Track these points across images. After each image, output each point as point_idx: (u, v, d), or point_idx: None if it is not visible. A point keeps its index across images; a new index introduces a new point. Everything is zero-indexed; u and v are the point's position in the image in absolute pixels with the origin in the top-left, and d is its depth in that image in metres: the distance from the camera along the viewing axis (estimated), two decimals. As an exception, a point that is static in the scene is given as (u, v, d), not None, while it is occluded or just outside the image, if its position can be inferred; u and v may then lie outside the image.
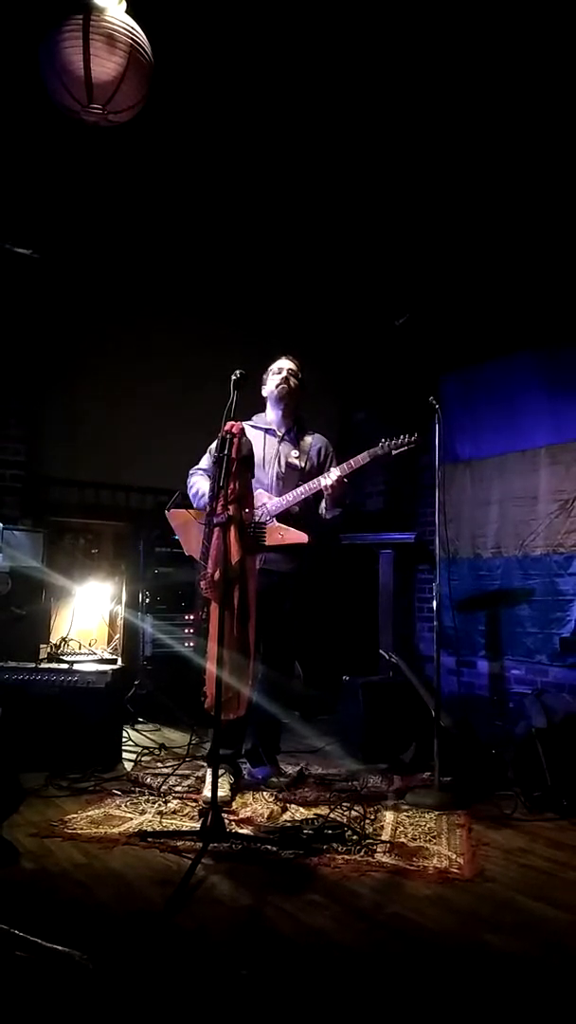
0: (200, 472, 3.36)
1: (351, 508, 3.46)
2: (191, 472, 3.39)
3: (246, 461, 2.79)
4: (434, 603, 3.40)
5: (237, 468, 2.69)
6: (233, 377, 2.92)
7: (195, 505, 3.30)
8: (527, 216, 4.37)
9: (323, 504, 3.33)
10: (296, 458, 3.37)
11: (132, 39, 2.59)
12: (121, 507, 5.20)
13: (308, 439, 3.46)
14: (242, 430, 2.76)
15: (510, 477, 5.15)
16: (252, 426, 3.37)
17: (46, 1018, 1.55)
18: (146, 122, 2.96)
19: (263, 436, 3.38)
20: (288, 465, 3.36)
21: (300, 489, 3.25)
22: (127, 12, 2.61)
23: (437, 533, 3.53)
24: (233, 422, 2.74)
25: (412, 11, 3.05)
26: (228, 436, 2.69)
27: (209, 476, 3.29)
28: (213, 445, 3.33)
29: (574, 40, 3.12)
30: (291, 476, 3.33)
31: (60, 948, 1.72)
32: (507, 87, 3.42)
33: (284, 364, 3.43)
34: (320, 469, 3.35)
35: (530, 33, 3.11)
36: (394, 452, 3.26)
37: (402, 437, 3.26)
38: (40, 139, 3.78)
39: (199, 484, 3.29)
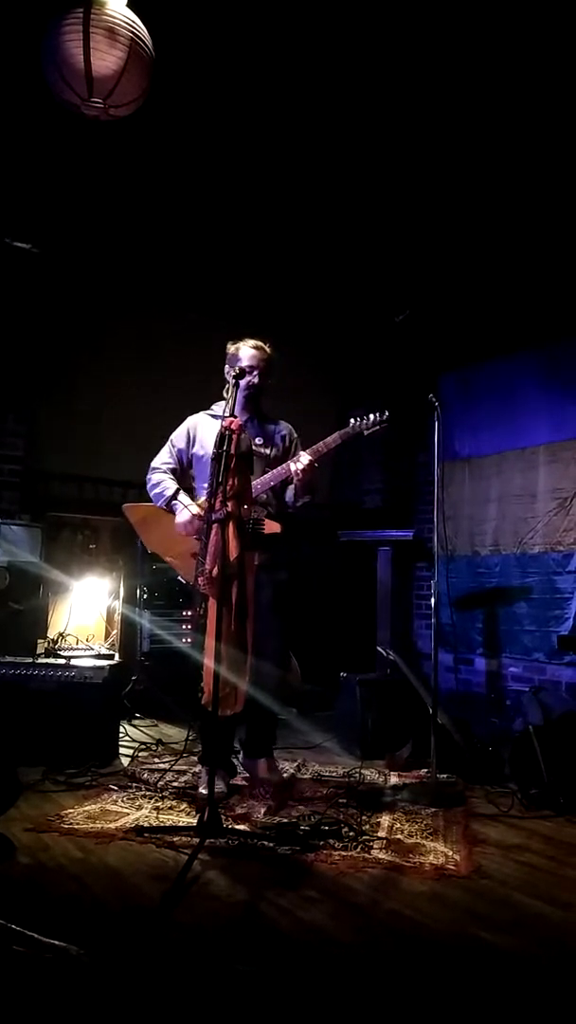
0: (163, 468, 3.25)
1: (317, 497, 3.32)
2: (152, 468, 3.27)
3: (245, 457, 2.78)
4: (432, 600, 3.40)
5: (236, 464, 2.68)
6: (232, 374, 2.92)
7: (155, 503, 3.21)
8: (527, 215, 4.36)
9: (290, 491, 3.20)
10: (260, 445, 3.20)
11: (133, 33, 2.58)
12: (119, 502, 5.16)
13: (271, 426, 3.31)
14: (241, 426, 2.75)
15: (509, 475, 5.16)
16: (212, 415, 3.26)
17: (43, 1013, 1.55)
18: (147, 117, 2.95)
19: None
20: (252, 452, 3.18)
21: (268, 475, 3.11)
22: (128, 5, 2.60)
23: (436, 530, 3.52)
24: (231, 418, 2.73)
25: (412, 10, 3.04)
26: (227, 432, 2.68)
27: (172, 470, 3.23)
28: (175, 434, 3.28)
29: (574, 40, 3.11)
30: (257, 464, 3.18)
31: (57, 943, 1.72)
32: (507, 87, 3.41)
33: (256, 362, 3.20)
34: (286, 456, 3.20)
35: (530, 33, 3.10)
36: (366, 432, 3.17)
37: (373, 416, 3.16)
38: (40, 133, 3.76)
39: (163, 482, 3.19)
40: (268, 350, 3.26)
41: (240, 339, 3.26)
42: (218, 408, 3.29)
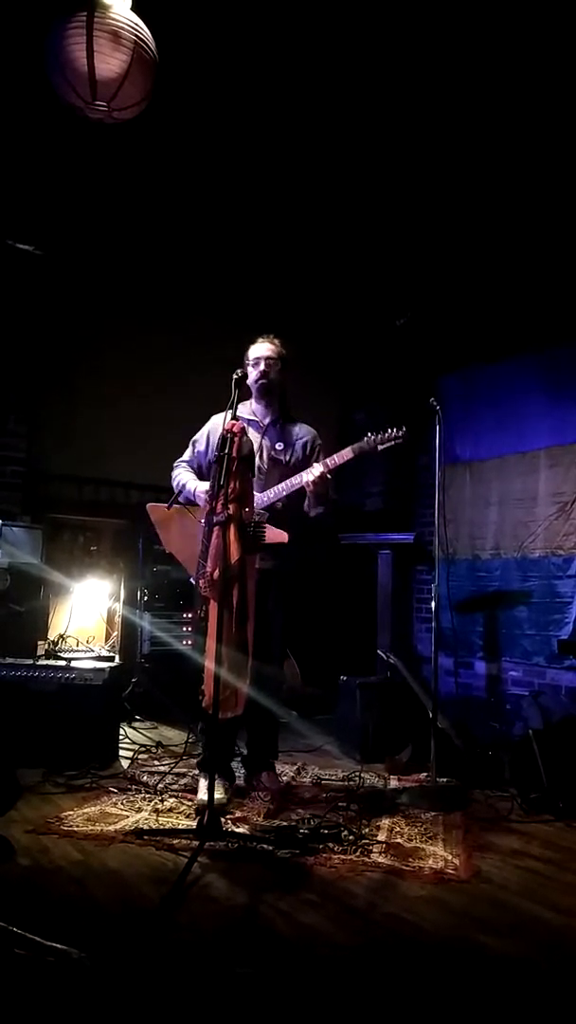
0: (184, 464, 3.28)
1: (337, 505, 3.30)
2: (176, 464, 3.31)
3: (246, 460, 2.78)
4: (432, 604, 3.40)
5: (238, 467, 2.68)
6: (234, 377, 2.92)
7: (179, 496, 3.22)
8: (527, 218, 4.38)
9: (307, 501, 3.17)
10: (280, 451, 3.20)
11: (136, 36, 2.58)
12: (120, 504, 5.20)
13: (295, 429, 3.28)
14: (243, 429, 2.75)
15: (509, 478, 5.16)
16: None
17: (44, 1015, 1.55)
18: (150, 119, 2.95)
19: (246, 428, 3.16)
20: (271, 459, 3.18)
21: (282, 486, 3.10)
22: (132, 9, 2.61)
23: (436, 534, 3.52)
24: (233, 421, 2.73)
25: (412, 11, 3.04)
26: (229, 435, 2.68)
27: (192, 469, 3.25)
28: (198, 435, 3.29)
29: (574, 40, 3.12)
30: (273, 470, 3.17)
31: (57, 946, 1.72)
32: (507, 87, 3.42)
33: (262, 353, 3.22)
34: (306, 463, 3.17)
35: (530, 33, 3.11)
36: (380, 447, 3.13)
37: (389, 431, 3.12)
38: (44, 136, 3.77)
39: (182, 477, 3.23)
40: (276, 343, 3.26)
41: (252, 342, 3.30)
42: (242, 409, 3.26)
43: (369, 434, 3.15)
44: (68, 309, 5.07)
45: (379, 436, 3.14)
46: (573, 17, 3.00)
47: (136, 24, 2.60)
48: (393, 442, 3.13)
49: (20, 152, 3.97)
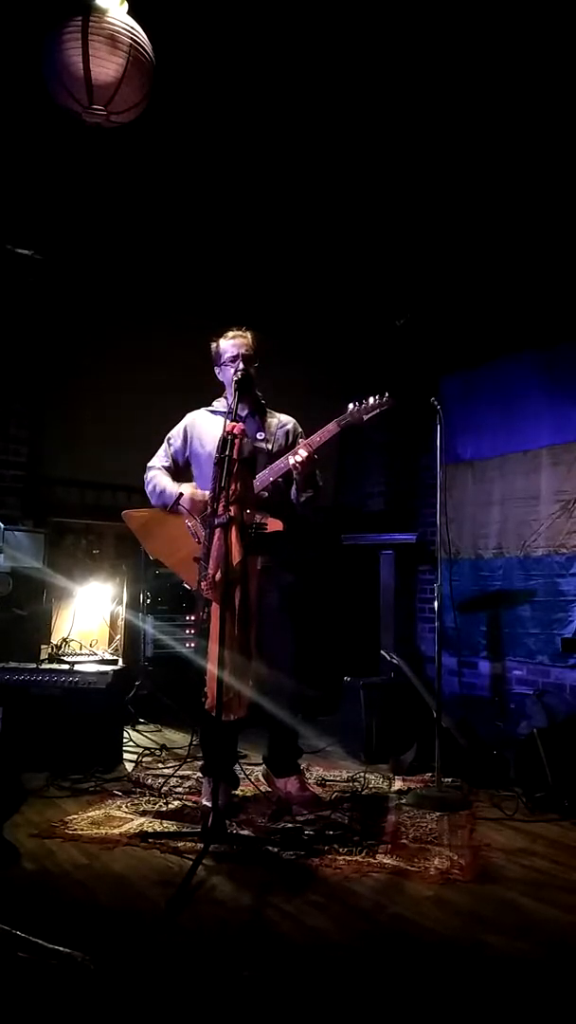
0: (159, 467, 3.18)
1: (322, 499, 3.19)
2: (149, 467, 3.20)
3: (247, 462, 2.78)
4: (435, 603, 3.40)
5: (238, 469, 2.68)
6: (235, 379, 2.92)
7: (152, 503, 3.15)
8: (527, 217, 4.37)
9: (294, 488, 3.05)
10: (261, 439, 3.08)
11: (133, 39, 2.59)
12: (123, 508, 5.15)
13: (273, 419, 3.18)
14: (243, 431, 2.74)
15: (511, 477, 5.15)
16: (211, 411, 3.20)
17: (48, 1019, 1.55)
18: (147, 123, 2.96)
19: (224, 421, 2.96)
20: (254, 448, 3.04)
21: (267, 471, 3.00)
22: (128, 12, 2.61)
23: (438, 533, 3.52)
24: (234, 423, 2.73)
25: (412, 11, 3.04)
26: (230, 437, 2.68)
27: (168, 470, 3.18)
28: (173, 431, 3.21)
29: (574, 40, 3.12)
30: (259, 460, 3.04)
31: (62, 949, 1.72)
32: (507, 87, 3.42)
33: (237, 350, 3.07)
34: (289, 451, 3.05)
35: (530, 33, 3.11)
36: (366, 417, 2.99)
37: (373, 399, 2.98)
38: (42, 140, 3.78)
39: (158, 480, 3.14)
40: (248, 335, 3.14)
41: (219, 335, 3.18)
42: (218, 404, 3.23)
43: (352, 405, 3.03)
44: (69, 313, 5.07)
45: (363, 405, 3.01)
46: (572, 17, 3.00)
47: (132, 27, 2.60)
48: (378, 409, 3.01)
49: (18, 157, 3.97)
